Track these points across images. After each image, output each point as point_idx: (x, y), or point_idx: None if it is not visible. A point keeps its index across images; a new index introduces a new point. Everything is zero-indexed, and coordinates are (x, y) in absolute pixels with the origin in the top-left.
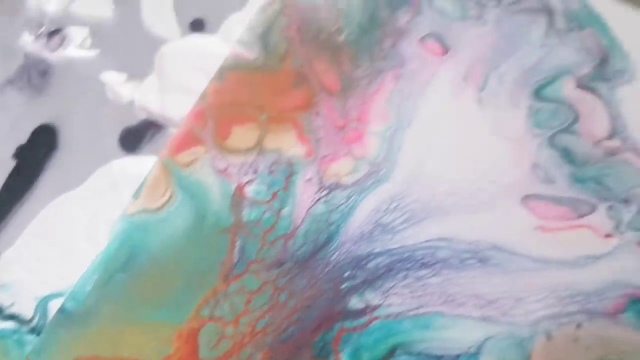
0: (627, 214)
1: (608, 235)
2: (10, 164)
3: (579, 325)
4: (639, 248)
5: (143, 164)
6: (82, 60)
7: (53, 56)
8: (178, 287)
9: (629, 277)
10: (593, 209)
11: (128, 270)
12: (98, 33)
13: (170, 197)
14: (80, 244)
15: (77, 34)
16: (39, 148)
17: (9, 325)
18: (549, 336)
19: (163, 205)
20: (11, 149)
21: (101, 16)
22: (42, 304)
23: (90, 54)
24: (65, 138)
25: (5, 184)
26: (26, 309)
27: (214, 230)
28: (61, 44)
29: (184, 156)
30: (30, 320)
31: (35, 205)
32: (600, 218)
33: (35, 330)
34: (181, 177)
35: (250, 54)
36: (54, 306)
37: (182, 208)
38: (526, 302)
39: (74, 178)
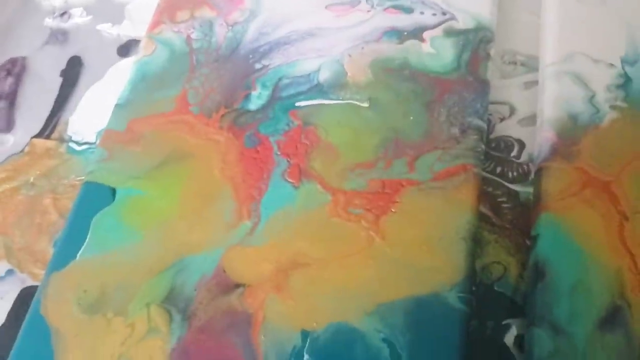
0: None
1: (369, 11)
2: (60, 79)
3: (362, 48)
4: (384, 12)
5: (132, 60)
6: (84, 22)
7: (67, 24)
8: (169, 83)
9: (382, 25)
10: (360, 2)
11: (145, 81)
12: (88, 8)
13: (155, 47)
14: (111, 102)
15: (76, 11)
16: (74, 68)
17: (85, 147)
18: (350, 55)
19: (153, 51)
20: (58, 73)
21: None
22: (99, 134)
23: (87, 19)
24: (88, 60)
25: (61, 87)
26: (91, 138)
27: (181, 55)
28: (69, 18)
29: (156, 31)
30: (95, 142)
31: (81, 91)
32: (364, 4)
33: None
34: (157, 39)
35: None
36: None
37: (162, 50)
38: (337, 46)
39: (98, 76)
